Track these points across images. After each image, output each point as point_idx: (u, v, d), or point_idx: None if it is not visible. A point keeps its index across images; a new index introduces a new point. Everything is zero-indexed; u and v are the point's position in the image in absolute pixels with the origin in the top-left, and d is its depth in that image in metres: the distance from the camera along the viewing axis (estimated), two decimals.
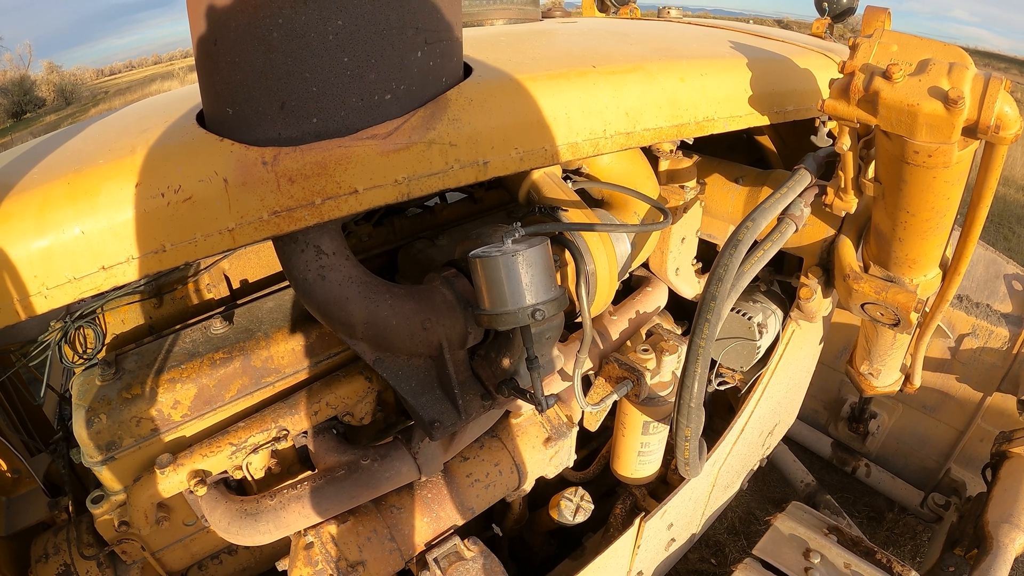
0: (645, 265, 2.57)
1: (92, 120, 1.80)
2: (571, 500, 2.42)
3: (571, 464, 2.35)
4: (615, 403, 2.26)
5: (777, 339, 2.57)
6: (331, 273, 1.47)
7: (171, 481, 1.67)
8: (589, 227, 1.82)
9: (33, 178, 1.30)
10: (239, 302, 2.03)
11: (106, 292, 1.65)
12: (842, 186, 1.88)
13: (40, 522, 2.04)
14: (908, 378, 2.47)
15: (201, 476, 1.69)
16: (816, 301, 2.24)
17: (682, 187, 2.41)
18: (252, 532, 1.70)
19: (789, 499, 2.84)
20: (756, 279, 2.61)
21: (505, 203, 2.71)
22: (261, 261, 2.26)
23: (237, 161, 1.25)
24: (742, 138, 3.02)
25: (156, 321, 2.05)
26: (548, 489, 2.55)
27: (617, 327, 2.44)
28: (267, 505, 1.72)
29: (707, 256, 2.71)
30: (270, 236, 1.31)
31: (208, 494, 1.72)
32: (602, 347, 2.38)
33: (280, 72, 1.20)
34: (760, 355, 2.54)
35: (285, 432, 1.80)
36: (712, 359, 2.47)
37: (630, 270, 2.31)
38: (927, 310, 2.06)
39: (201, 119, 1.41)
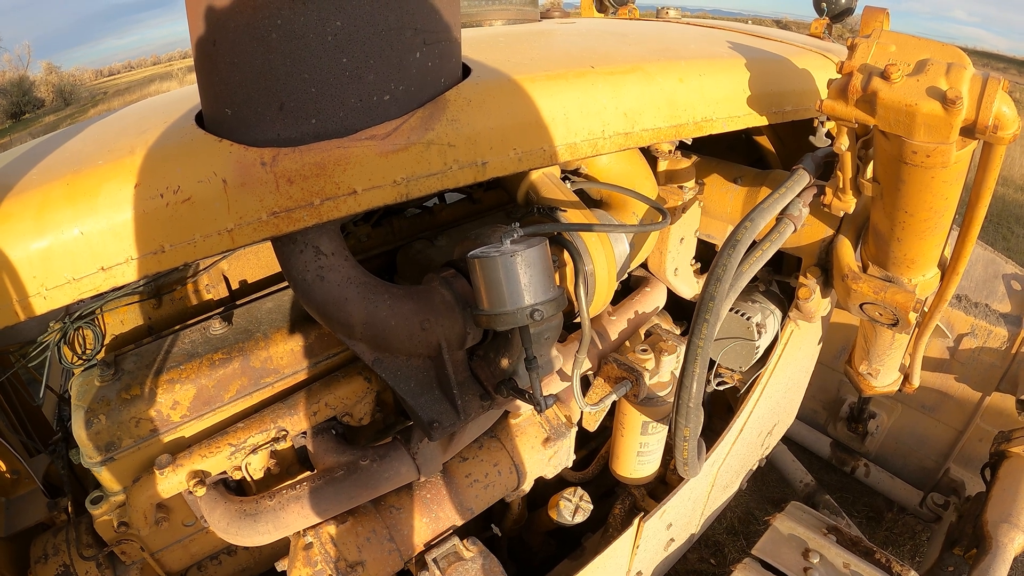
0: (644, 265, 2.58)
1: (91, 121, 1.80)
2: (570, 500, 2.42)
3: (570, 464, 2.35)
4: (614, 403, 2.26)
5: (776, 339, 2.57)
6: (330, 274, 1.47)
7: (170, 482, 1.67)
8: (587, 227, 1.82)
9: (32, 179, 1.30)
10: (238, 303, 2.03)
11: (105, 293, 1.66)
12: (840, 186, 1.88)
13: (39, 523, 2.04)
14: (907, 378, 2.47)
15: (200, 477, 1.69)
16: (815, 301, 2.24)
17: (681, 187, 2.41)
18: (251, 533, 1.70)
19: (788, 499, 2.84)
20: (755, 279, 2.61)
21: (504, 204, 2.71)
22: (260, 262, 2.26)
23: (236, 162, 1.25)
24: (741, 138, 3.02)
25: (155, 322, 2.05)
26: (547, 489, 2.56)
27: (616, 327, 2.45)
28: (266, 506, 1.72)
29: (706, 256, 2.72)
30: (269, 237, 1.31)
31: (207, 495, 1.72)
32: (601, 347, 2.38)
33: (279, 73, 1.20)
34: (759, 355, 2.54)
35: (284, 433, 1.80)
36: (711, 359, 2.48)
37: (629, 270, 2.31)
38: (926, 310, 2.07)
39: (200, 120, 1.41)
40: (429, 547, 1.94)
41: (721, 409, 3.35)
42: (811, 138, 2.18)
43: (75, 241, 1.20)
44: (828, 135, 2.17)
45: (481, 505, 2.08)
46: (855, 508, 4.14)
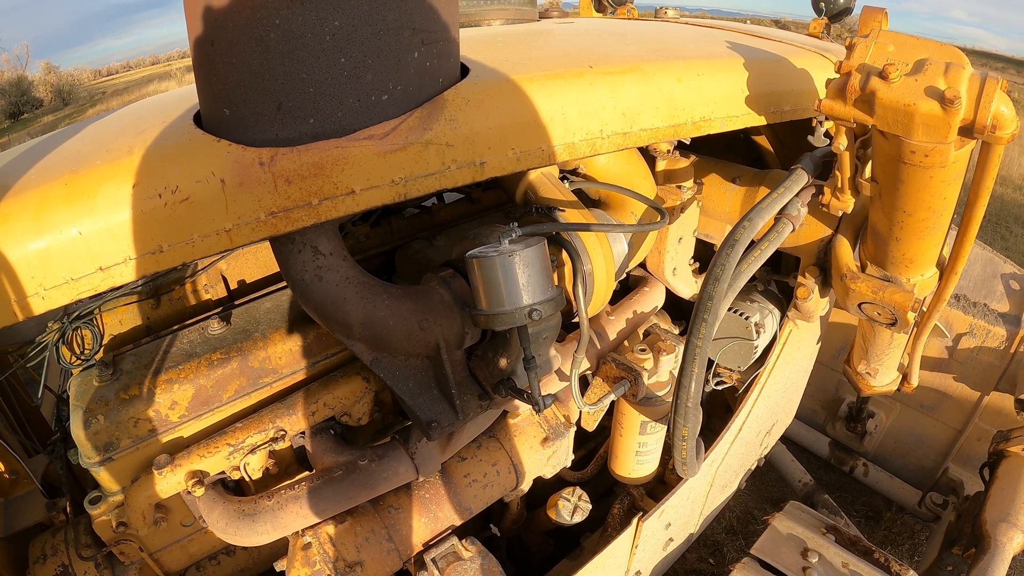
0: (642, 265, 2.58)
1: (89, 121, 1.79)
2: (569, 500, 2.42)
3: (569, 464, 2.35)
4: (613, 403, 2.26)
5: (774, 339, 2.58)
6: (328, 274, 1.47)
7: (169, 482, 1.67)
8: (586, 227, 1.82)
9: (30, 179, 1.30)
10: (236, 303, 2.03)
11: (104, 293, 1.66)
12: (839, 186, 1.88)
13: (38, 523, 2.04)
14: (906, 377, 2.47)
15: (199, 477, 1.69)
16: (813, 301, 2.24)
17: (679, 187, 2.41)
18: (250, 533, 1.70)
19: (787, 498, 2.84)
20: (753, 279, 2.61)
21: (502, 203, 2.71)
22: (259, 262, 2.26)
23: (234, 162, 1.25)
24: (739, 138, 3.02)
25: (154, 322, 2.05)
26: (546, 489, 2.55)
27: (614, 327, 2.45)
28: (265, 506, 1.72)
29: (704, 256, 2.72)
30: (267, 237, 1.31)
31: (206, 495, 1.72)
32: (599, 347, 2.38)
33: (277, 73, 1.20)
34: (757, 355, 2.54)
35: (283, 432, 1.80)
36: (709, 359, 2.48)
37: (627, 270, 2.31)
38: (924, 309, 2.07)
39: (198, 120, 1.41)
40: (428, 547, 1.94)
41: (720, 409, 3.35)
42: (809, 138, 2.18)
43: (73, 241, 1.20)
44: (826, 135, 2.17)
45: (480, 505, 2.08)
46: (854, 507, 4.14)
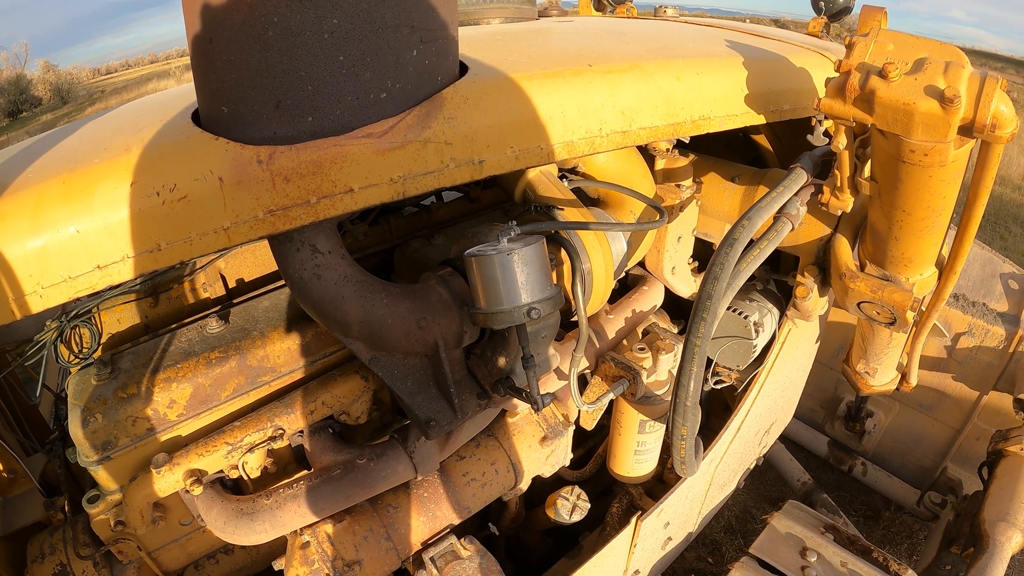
0: (641, 264, 2.58)
1: (88, 119, 1.79)
2: (567, 499, 2.42)
3: (567, 463, 2.35)
4: (611, 402, 2.26)
5: (773, 338, 2.58)
6: (327, 272, 1.47)
7: (167, 481, 1.67)
8: (585, 226, 1.82)
9: (28, 177, 1.30)
10: (235, 301, 2.03)
11: (102, 291, 1.65)
12: (838, 185, 1.88)
13: (36, 522, 2.03)
14: (904, 377, 2.47)
15: (197, 475, 1.69)
16: (812, 300, 2.24)
17: (678, 186, 2.41)
18: (248, 531, 1.70)
19: (786, 498, 2.84)
20: (752, 278, 2.61)
21: (501, 202, 2.71)
22: (257, 260, 2.26)
23: (232, 160, 1.25)
24: (738, 137, 3.02)
25: (152, 320, 2.05)
26: (544, 488, 2.55)
27: (613, 326, 2.45)
28: (263, 504, 1.72)
29: (703, 255, 2.72)
30: (265, 235, 1.31)
31: (204, 493, 1.72)
32: (598, 346, 2.38)
33: (275, 71, 1.20)
34: (756, 354, 2.54)
35: (281, 431, 1.80)
36: (708, 358, 2.48)
37: (626, 269, 2.31)
38: (923, 309, 2.07)
39: (196, 118, 1.41)
40: (426, 546, 1.94)
41: (719, 408, 3.35)
42: (809, 137, 2.18)
43: (71, 239, 1.20)
44: (826, 134, 2.16)
45: (478, 504, 2.08)
46: (852, 507, 4.15)
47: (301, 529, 1.82)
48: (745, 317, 2.47)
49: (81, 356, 1.82)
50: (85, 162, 1.29)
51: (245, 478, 1.82)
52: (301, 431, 1.87)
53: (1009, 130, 1.30)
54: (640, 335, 2.44)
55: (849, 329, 2.51)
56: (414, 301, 1.59)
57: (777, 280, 2.68)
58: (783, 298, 2.64)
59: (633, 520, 2.30)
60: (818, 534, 2.46)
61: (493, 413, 2.05)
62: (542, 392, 1.63)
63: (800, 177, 1.90)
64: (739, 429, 2.69)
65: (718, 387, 2.74)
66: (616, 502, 2.73)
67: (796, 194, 1.91)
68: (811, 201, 1.98)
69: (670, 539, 2.81)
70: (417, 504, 1.95)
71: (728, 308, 2.47)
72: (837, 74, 1.47)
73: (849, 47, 1.45)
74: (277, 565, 1.89)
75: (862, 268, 1.99)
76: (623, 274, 2.31)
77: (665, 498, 2.41)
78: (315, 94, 1.23)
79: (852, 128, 1.62)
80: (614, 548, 2.28)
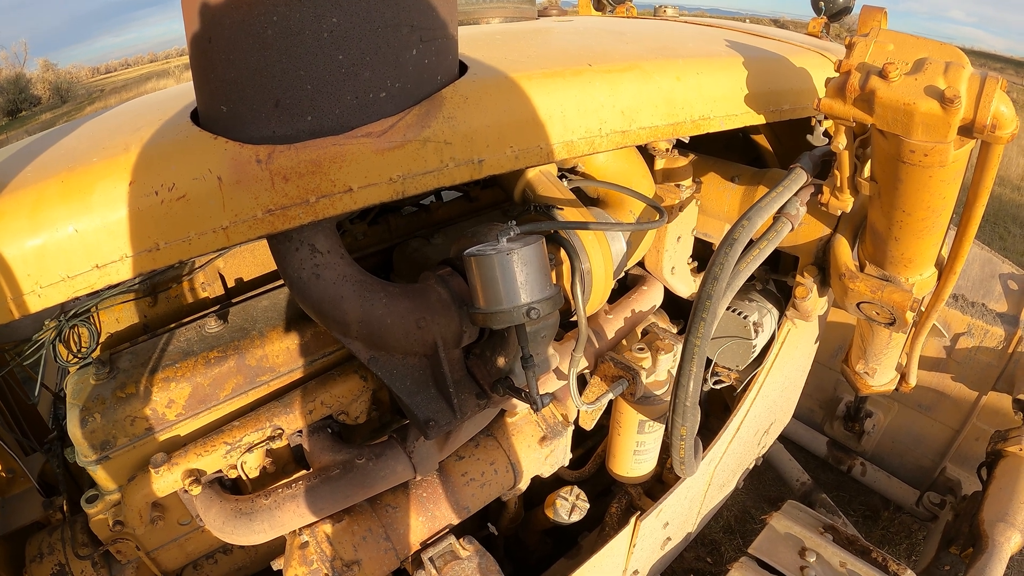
0: (641, 264, 2.57)
1: (87, 118, 1.79)
2: (567, 499, 2.42)
3: (566, 463, 2.35)
4: (611, 402, 2.26)
5: (773, 338, 2.57)
6: (326, 272, 1.47)
7: (166, 480, 1.67)
8: (584, 226, 1.82)
9: (27, 176, 1.29)
10: (234, 301, 2.03)
11: (100, 291, 1.65)
12: (838, 185, 1.88)
13: (35, 522, 2.03)
14: (904, 377, 2.47)
15: (196, 475, 1.69)
16: (812, 300, 2.24)
17: (678, 186, 2.41)
18: (247, 531, 1.70)
19: (785, 498, 2.84)
20: (752, 278, 2.61)
21: (500, 202, 2.71)
22: (256, 259, 2.25)
23: (231, 159, 1.24)
24: (738, 137, 3.02)
25: (151, 320, 2.04)
26: (544, 488, 2.55)
27: (613, 326, 2.44)
28: (262, 504, 1.72)
29: (703, 255, 2.72)
30: (264, 234, 1.30)
31: (203, 493, 1.72)
32: (598, 346, 2.38)
33: (275, 70, 1.20)
34: (756, 354, 2.54)
35: (280, 431, 1.80)
36: (708, 358, 2.48)
37: (626, 269, 2.31)
38: (923, 309, 2.07)
39: (195, 117, 1.40)
40: (425, 546, 1.94)
41: (718, 408, 3.35)
42: (809, 137, 2.18)
43: (70, 239, 1.20)
44: (826, 134, 2.16)
45: (477, 504, 2.08)
46: (851, 507, 4.15)
47: (300, 529, 1.81)
48: (744, 317, 2.47)
49: (80, 356, 1.82)
50: (84, 161, 1.29)
51: (244, 478, 1.82)
52: (300, 431, 1.86)
53: (1009, 131, 1.30)
54: (639, 335, 2.44)
55: (848, 329, 2.51)
56: (413, 301, 1.58)
57: (777, 280, 2.68)
58: (782, 298, 2.64)
59: (632, 520, 2.30)
60: (817, 534, 2.46)
61: (492, 413, 2.04)
62: (541, 392, 1.63)
63: (800, 177, 1.90)
64: (738, 429, 2.69)
65: (717, 387, 2.74)
66: (615, 502, 2.73)
67: (796, 194, 1.91)
68: (811, 201, 1.98)
69: (669, 539, 2.81)
70: (416, 504, 1.95)
71: (728, 308, 2.47)
72: (837, 74, 1.47)
73: (849, 47, 1.45)
74: (276, 565, 1.89)
75: (862, 268, 1.99)
76: (622, 274, 2.31)
77: (664, 498, 2.41)
78: (314, 93, 1.23)
79: (852, 128, 1.62)
80: (613, 548, 2.28)
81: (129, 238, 1.22)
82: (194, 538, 1.92)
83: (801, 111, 2.07)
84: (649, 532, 2.49)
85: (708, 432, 2.59)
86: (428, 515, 1.96)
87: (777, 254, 2.45)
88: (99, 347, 1.90)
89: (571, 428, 2.27)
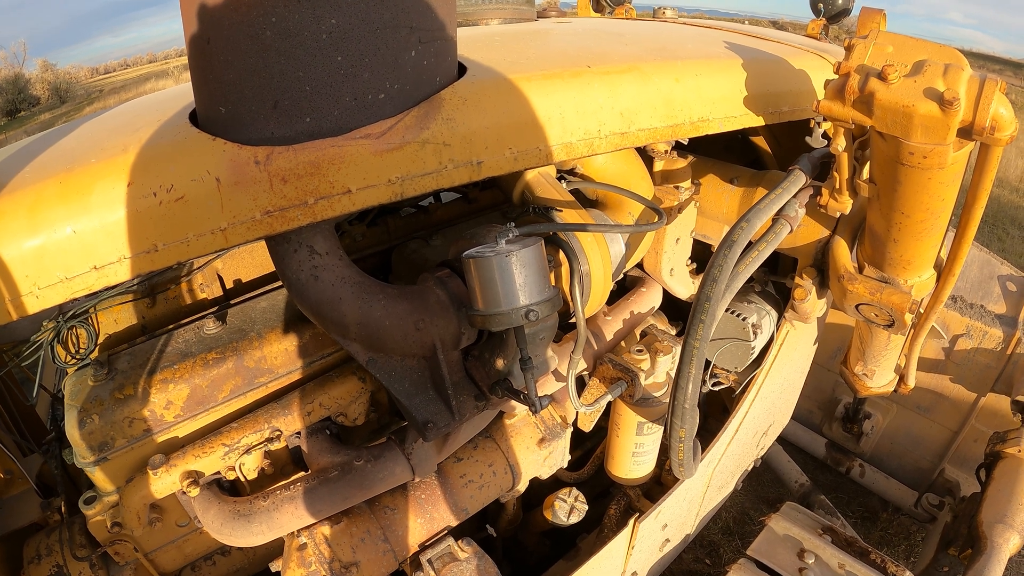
0: (640, 266, 2.57)
1: (85, 119, 1.79)
2: (565, 501, 2.42)
3: (565, 465, 2.35)
4: (609, 404, 2.26)
5: (771, 340, 2.57)
6: (324, 273, 1.46)
7: (164, 482, 1.66)
8: (583, 227, 1.82)
9: (25, 177, 1.29)
10: (232, 302, 2.03)
11: (98, 292, 1.64)
12: (837, 187, 1.88)
13: (33, 523, 2.03)
14: (902, 379, 2.47)
15: (194, 477, 1.69)
16: (810, 302, 2.24)
17: (677, 187, 2.41)
18: (245, 533, 1.70)
19: (783, 499, 2.84)
20: (751, 280, 2.61)
21: (499, 203, 2.71)
22: (255, 261, 2.25)
23: (230, 160, 1.24)
24: (737, 139, 3.02)
25: (149, 321, 2.04)
26: (542, 490, 2.55)
27: (611, 328, 2.44)
28: (260, 506, 1.71)
29: (702, 257, 2.71)
30: (263, 236, 1.30)
31: (201, 495, 1.71)
32: (596, 348, 2.38)
33: (273, 71, 1.19)
34: (754, 356, 2.54)
35: (278, 433, 1.79)
36: (706, 360, 2.47)
37: (624, 271, 2.31)
38: (921, 311, 2.07)
39: (194, 118, 1.40)
40: (424, 548, 1.93)
41: (716, 409, 3.35)
42: (807, 139, 2.18)
43: (68, 240, 1.19)
44: (825, 136, 2.16)
45: (476, 506, 2.08)
46: (850, 508, 4.15)
47: (298, 531, 1.81)
48: (743, 319, 2.47)
49: (78, 357, 1.81)
50: (82, 162, 1.29)
51: (242, 479, 1.82)
52: (298, 432, 1.86)
53: (1008, 132, 1.30)
54: (638, 337, 2.44)
55: (847, 331, 2.51)
56: (412, 302, 1.58)
57: (775, 282, 2.68)
58: (781, 300, 2.64)
59: (631, 522, 2.30)
60: (816, 536, 2.46)
61: (491, 415, 2.04)
62: (540, 394, 1.63)
63: (799, 179, 1.90)
64: (737, 431, 2.69)
65: (716, 389, 2.74)
66: (614, 504, 2.73)
67: (795, 196, 1.91)
68: (810, 203, 1.98)
69: (668, 541, 2.81)
70: (414, 506, 1.95)
71: (726, 310, 2.47)
72: (836, 76, 1.47)
73: (848, 49, 1.45)
74: (274, 567, 1.89)
75: (860, 270, 1.99)
76: (621, 276, 2.31)
77: (663, 500, 2.41)
78: (313, 95, 1.23)
79: (851, 130, 1.62)
80: (612, 550, 2.28)
81: (127, 239, 1.22)
82: (192, 540, 1.92)
83: (800, 113, 2.08)
84: (648, 534, 2.49)
85: (707, 434, 2.59)
86: (426, 517, 1.96)
87: (776, 256, 2.45)
88: (97, 348, 1.89)
89: (570, 430, 2.27)
